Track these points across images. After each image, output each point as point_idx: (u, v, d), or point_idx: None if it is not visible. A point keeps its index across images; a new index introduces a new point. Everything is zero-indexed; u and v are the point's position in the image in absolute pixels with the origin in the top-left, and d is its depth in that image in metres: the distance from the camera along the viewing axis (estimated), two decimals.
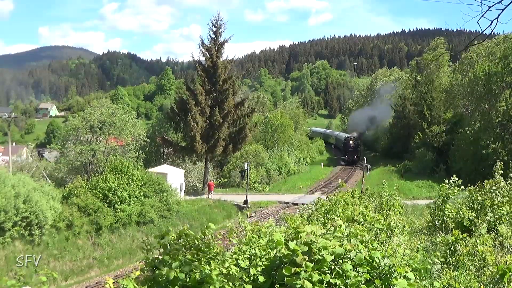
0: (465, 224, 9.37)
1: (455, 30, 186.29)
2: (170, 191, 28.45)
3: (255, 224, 5.63)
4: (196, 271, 3.64)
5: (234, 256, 4.41)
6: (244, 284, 3.67)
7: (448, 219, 9.73)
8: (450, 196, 10.42)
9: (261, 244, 4.78)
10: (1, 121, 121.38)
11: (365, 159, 41.11)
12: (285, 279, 3.36)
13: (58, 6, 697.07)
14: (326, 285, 3.33)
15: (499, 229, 8.42)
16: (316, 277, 3.23)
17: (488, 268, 6.17)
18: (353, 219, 7.65)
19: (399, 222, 8.70)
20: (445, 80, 56.10)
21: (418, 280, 4.04)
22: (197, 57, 38.33)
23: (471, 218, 9.42)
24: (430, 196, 31.48)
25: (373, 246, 3.85)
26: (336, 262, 3.44)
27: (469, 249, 6.77)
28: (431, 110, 51.99)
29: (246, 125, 38.89)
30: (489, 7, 3.06)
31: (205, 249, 3.92)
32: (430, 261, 5.60)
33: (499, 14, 2.83)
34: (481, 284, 5.41)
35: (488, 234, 8.23)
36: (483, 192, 10.12)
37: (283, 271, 3.38)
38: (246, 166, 35.65)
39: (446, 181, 10.82)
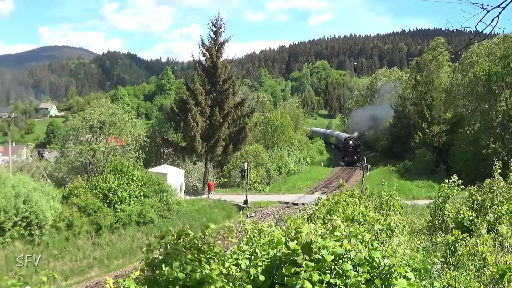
0: (465, 224, 9.37)
1: (455, 30, 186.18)
2: (170, 191, 28.45)
3: (255, 223, 5.62)
4: (197, 271, 3.64)
5: (234, 256, 4.41)
6: (244, 284, 3.67)
7: (448, 219, 9.73)
8: (450, 196, 10.42)
9: (261, 243, 4.78)
10: (1, 121, 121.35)
11: (365, 159, 41.13)
12: (285, 279, 3.36)
13: (58, 6, 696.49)
14: (326, 285, 3.33)
15: (499, 229, 8.42)
16: (316, 277, 3.23)
17: (488, 268, 6.17)
18: (353, 219, 7.66)
19: (399, 222, 8.69)
20: (445, 80, 56.07)
21: (418, 280, 4.03)
22: (197, 57, 38.44)
23: (471, 218, 9.42)
24: (430, 196, 31.47)
25: (373, 246, 3.85)
26: (336, 262, 3.44)
27: (469, 249, 6.77)
28: (431, 110, 52.00)
29: (246, 125, 38.90)
30: (488, 11, 3.06)
31: (205, 249, 3.92)
32: (430, 261, 5.60)
33: (499, 13, 2.83)
34: (481, 284, 5.41)
35: (488, 234, 8.23)
36: (482, 192, 10.12)
37: (283, 271, 3.38)
38: (246, 166, 35.64)
39: (446, 180, 10.82)
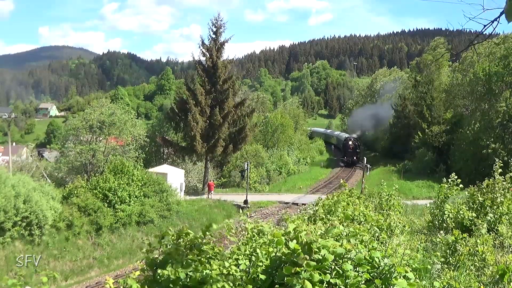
0: (465, 224, 9.37)
1: (455, 30, 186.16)
2: (170, 191, 28.45)
3: (255, 222, 5.62)
4: (198, 271, 3.64)
5: (234, 256, 4.41)
6: (244, 284, 3.67)
7: (448, 219, 9.73)
8: (450, 196, 10.42)
9: (261, 243, 4.78)
10: (1, 121, 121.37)
11: (365, 159, 41.11)
12: (285, 279, 3.36)
13: (58, 6, 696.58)
14: (326, 285, 3.33)
15: (499, 229, 8.42)
16: (317, 277, 3.23)
17: (488, 268, 6.17)
18: (353, 219, 7.66)
19: (399, 222, 8.69)
20: (445, 80, 56.10)
21: (418, 280, 4.04)
22: (197, 57, 38.48)
23: (471, 218, 9.41)
24: (430, 196, 31.47)
25: (373, 246, 3.85)
26: (336, 262, 3.44)
27: (469, 249, 6.77)
28: (431, 110, 52.02)
29: (246, 125, 38.92)
30: (489, 23, 3.06)
31: (206, 249, 3.92)
32: (430, 261, 5.60)
33: (500, 14, 2.83)
34: (481, 284, 5.41)
35: (488, 234, 8.23)
36: (483, 192, 10.11)
37: (283, 271, 3.38)
38: (246, 166, 35.65)
39: (445, 180, 10.82)
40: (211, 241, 4.11)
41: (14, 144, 71.25)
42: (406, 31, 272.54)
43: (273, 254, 4.00)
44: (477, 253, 6.63)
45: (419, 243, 7.88)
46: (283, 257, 3.64)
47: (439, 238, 7.62)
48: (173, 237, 4.03)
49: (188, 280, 3.60)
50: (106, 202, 24.44)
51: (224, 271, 3.80)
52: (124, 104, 52.35)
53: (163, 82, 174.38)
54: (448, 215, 9.76)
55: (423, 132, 50.28)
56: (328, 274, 3.34)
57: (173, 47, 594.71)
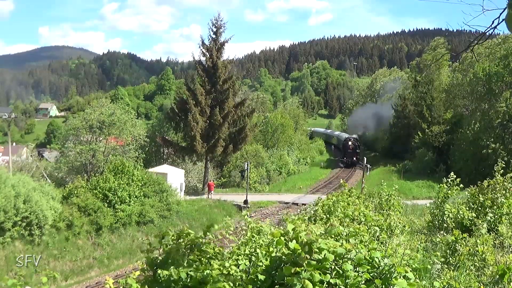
0: (465, 224, 9.37)
1: (455, 31, 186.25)
2: (170, 191, 28.45)
3: (256, 222, 5.62)
4: (199, 271, 3.64)
5: (234, 257, 4.41)
6: (244, 284, 3.67)
7: (448, 219, 9.73)
8: (450, 196, 10.42)
9: (261, 243, 4.78)
10: (1, 121, 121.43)
11: (365, 159, 41.10)
12: (285, 279, 3.36)
13: (58, 6, 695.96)
14: (326, 285, 3.33)
15: (499, 229, 8.42)
16: (317, 277, 3.23)
17: (488, 268, 6.17)
18: (353, 219, 7.66)
19: (399, 222, 8.70)
20: (445, 80, 56.11)
21: (418, 280, 4.04)
22: (198, 57, 38.48)
23: (471, 218, 9.42)
24: (430, 196, 31.47)
25: (373, 246, 3.85)
26: (336, 262, 3.44)
27: (469, 249, 6.77)
28: (431, 110, 52.04)
29: (246, 125, 38.92)
30: (488, 28, 3.06)
31: (206, 249, 3.93)
32: (430, 261, 5.60)
33: (500, 14, 2.83)
34: (481, 284, 5.41)
35: (488, 234, 8.23)
36: (483, 193, 10.11)
37: (283, 271, 3.38)
38: (246, 166, 35.65)
39: (445, 180, 10.82)
40: (212, 241, 4.11)
41: (14, 144, 71.26)
42: (406, 31, 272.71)
43: (273, 254, 4.00)
44: (477, 253, 6.63)
45: (419, 243, 7.89)
46: (283, 257, 3.64)
47: (439, 238, 7.63)
48: (173, 237, 4.03)
49: (188, 280, 3.60)
50: (106, 202, 24.45)
51: (224, 271, 3.81)
52: (124, 104, 52.28)
53: (163, 82, 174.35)
54: (448, 215, 9.76)
55: (423, 132, 50.29)
56: (328, 274, 3.34)
57: (173, 47, 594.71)
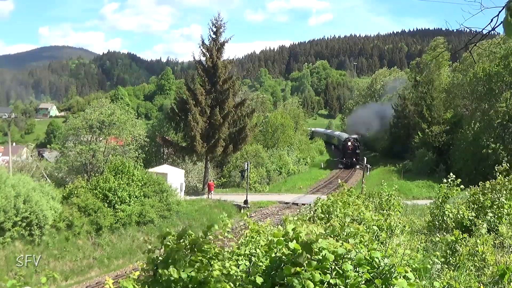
0: (465, 224, 9.37)
1: (455, 30, 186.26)
2: (170, 191, 28.45)
3: (256, 223, 5.62)
4: (199, 271, 3.64)
5: (234, 257, 4.41)
6: (244, 285, 3.67)
7: (448, 219, 9.73)
8: (450, 196, 10.42)
9: (261, 243, 4.78)
10: (1, 121, 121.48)
11: (365, 159, 41.09)
12: (286, 279, 3.36)
13: (58, 6, 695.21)
14: (327, 285, 3.33)
15: (499, 229, 8.42)
16: (318, 277, 3.23)
17: (488, 268, 6.17)
18: (353, 220, 7.66)
19: (399, 222, 8.70)
20: (445, 80, 56.10)
21: (418, 280, 4.04)
22: (198, 57, 38.49)
23: (471, 218, 9.42)
24: (430, 196, 31.49)
25: (373, 246, 3.85)
26: (336, 262, 3.44)
27: (469, 249, 6.77)
28: (431, 110, 52.03)
29: (246, 125, 38.93)
30: (483, 32, 3.06)
31: (207, 249, 3.92)
32: (430, 261, 5.60)
33: (498, 13, 2.83)
34: (481, 284, 5.41)
35: (488, 234, 8.23)
36: (484, 193, 10.11)
37: (284, 271, 3.38)
38: (246, 166, 35.65)
39: (444, 180, 10.82)
40: (212, 241, 4.11)
41: (14, 144, 71.26)
42: (406, 31, 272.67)
43: (273, 254, 4.00)
44: (477, 253, 6.63)
45: (419, 243, 7.89)
46: (283, 257, 3.64)
47: (439, 238, 7.63)
48: (173, 238, 4.03)
49: (189, 280, 3.60)
50: (106, 202, 24.44)
51: (225, 272, 3.81)
52: (124, 104, 52.31)
53: (163, 82, 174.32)
54: (448, 215, 9.77)
55: (423, 132, 50.29)
56: (328, 274, 3.34)
57: (173, 47, 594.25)
